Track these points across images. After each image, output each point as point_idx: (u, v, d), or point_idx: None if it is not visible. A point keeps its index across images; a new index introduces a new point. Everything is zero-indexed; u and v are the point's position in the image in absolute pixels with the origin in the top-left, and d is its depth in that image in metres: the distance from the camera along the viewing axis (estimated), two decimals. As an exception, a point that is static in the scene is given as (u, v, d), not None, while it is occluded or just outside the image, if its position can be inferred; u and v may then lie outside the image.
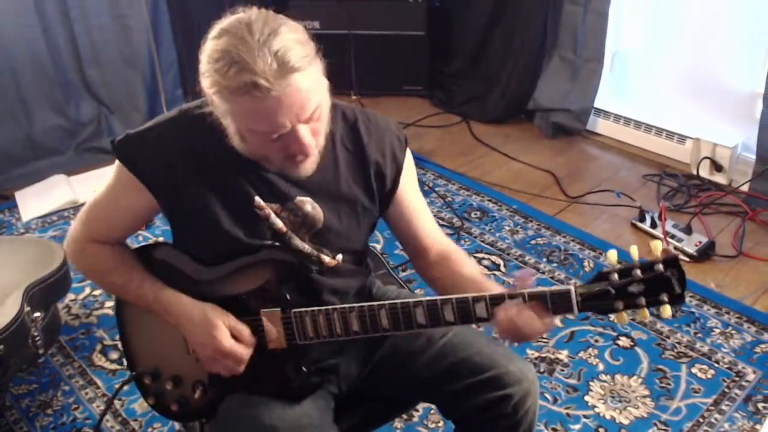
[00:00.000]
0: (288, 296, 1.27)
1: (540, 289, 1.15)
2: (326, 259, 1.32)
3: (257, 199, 1.25)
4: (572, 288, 1.13)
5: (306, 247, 1.30)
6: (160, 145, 1.24)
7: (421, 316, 1.20)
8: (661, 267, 1.08)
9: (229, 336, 1.25)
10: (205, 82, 1.11)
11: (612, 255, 1.12)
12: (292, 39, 1.09)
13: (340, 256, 1.33)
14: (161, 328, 1.32)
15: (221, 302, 1.28)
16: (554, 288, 1.14)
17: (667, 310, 1.10)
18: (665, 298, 1.09)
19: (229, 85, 1.06)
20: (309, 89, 1.10)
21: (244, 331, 1.26)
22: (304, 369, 1.30)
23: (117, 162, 1.26)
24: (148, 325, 1.37)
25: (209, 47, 1.10)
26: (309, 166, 1.20)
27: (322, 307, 1.25)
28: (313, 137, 1.15)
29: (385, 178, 1.33)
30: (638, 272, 1.10)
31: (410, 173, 1.38)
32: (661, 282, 1.09)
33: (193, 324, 1.27)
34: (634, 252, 1.11)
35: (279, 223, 1.27)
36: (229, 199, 1.25)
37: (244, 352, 1.25)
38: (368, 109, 1.39)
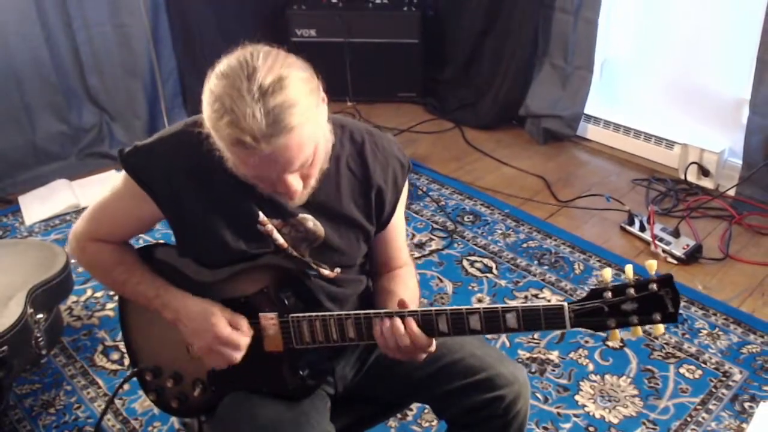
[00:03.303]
0: (286, 302, 1.28)
1: (533, 305, 1.16)
2: (325, 272, 1.33)
3: (261, 215, 1.26)
4: (565, 304, 1.13)
5: (306, 261, 1.31)
6: (167, 161, 1.24)
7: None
8: (654, 286, 1.09)
9: (227, 324, 1.25)
10: (204, 114, 1.10)
11: (606, 273, 1.13)
12: (296, 92, 1.05)
13: (338, 270, 1.35)
14: (163, 327, 1.33)
15: (222, 304, 1.29)
16: (547, 304, 1.15)
17: (659, 329, 1.11)
18: (658, 317, 1.10)
19: (219, 131, 1.06)
20: (300, 145, 1.07)
21: (242, 321, 1.27)
22: (300, 372, 1.32)
23: (124, 172, 1.27)
24: (151, 323, 1.38)
25: (211, 84, 1.07)
26: (298, 201, 1.20)
27: (319, 314, 1.26)
28: (303, 181, 1.14)
29: (385, 203, 1.34)
30: (632, 291, 1.10)
31: (404, 196, 1.38)
32: (655, 301, 1.09)
33: (190, 317, 1.27)
34: (629, 271, 1.12)
35: (280, 239, 1.28)
36: (233, 215, 1.26)
37: (242, 339, 1.25)
38: (373, 128, 1.37)
